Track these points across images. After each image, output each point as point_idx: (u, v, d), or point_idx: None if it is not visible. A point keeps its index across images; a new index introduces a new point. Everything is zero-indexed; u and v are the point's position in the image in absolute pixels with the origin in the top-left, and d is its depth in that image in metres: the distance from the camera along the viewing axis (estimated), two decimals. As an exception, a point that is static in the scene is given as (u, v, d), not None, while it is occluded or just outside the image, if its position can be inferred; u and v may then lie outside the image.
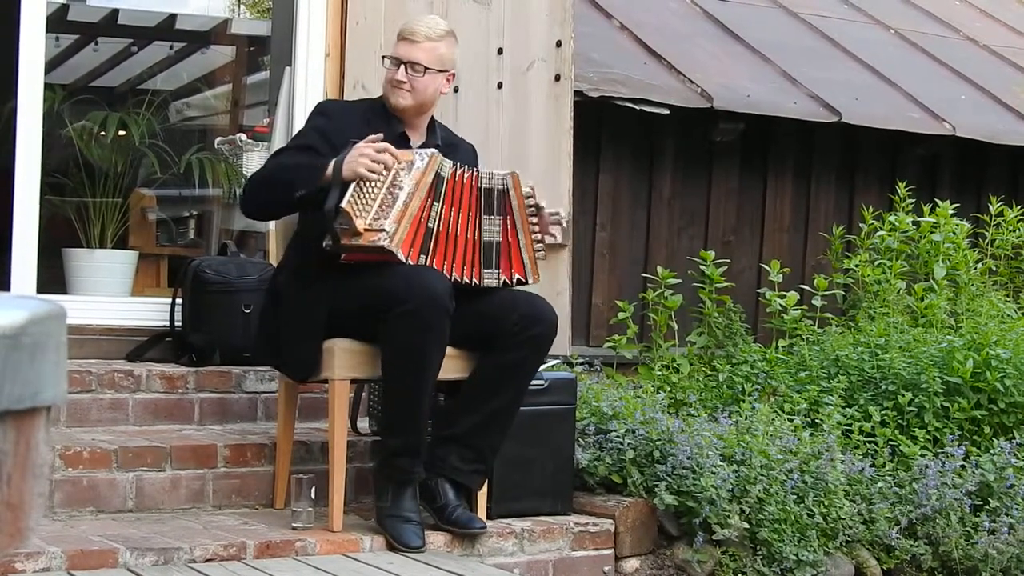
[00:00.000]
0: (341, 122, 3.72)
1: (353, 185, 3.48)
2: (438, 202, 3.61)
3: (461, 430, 3.66)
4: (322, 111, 3.83)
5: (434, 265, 3.59)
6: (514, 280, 3.71)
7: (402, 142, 3.73)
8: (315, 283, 3.63)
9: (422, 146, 3.77)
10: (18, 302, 0.91)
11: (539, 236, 3.71)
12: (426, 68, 3.71)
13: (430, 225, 3.59)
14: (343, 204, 3.45)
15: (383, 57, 3.86)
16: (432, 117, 3.88)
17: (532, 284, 3.73)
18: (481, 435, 3.67)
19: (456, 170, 3.64)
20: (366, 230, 3.49)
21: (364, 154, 3.49)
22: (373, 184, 3.51)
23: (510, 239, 3.69)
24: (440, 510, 3.68)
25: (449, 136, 3.96)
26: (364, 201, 3.50)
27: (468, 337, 3.60)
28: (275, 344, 3.74)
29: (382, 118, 3.77)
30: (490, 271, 3.68)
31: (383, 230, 3.49)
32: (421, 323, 3.45)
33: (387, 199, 3.52)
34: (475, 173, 3.69)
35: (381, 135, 3.58)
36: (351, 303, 3.57)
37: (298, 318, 3.65)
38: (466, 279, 3.64)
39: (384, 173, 3.51)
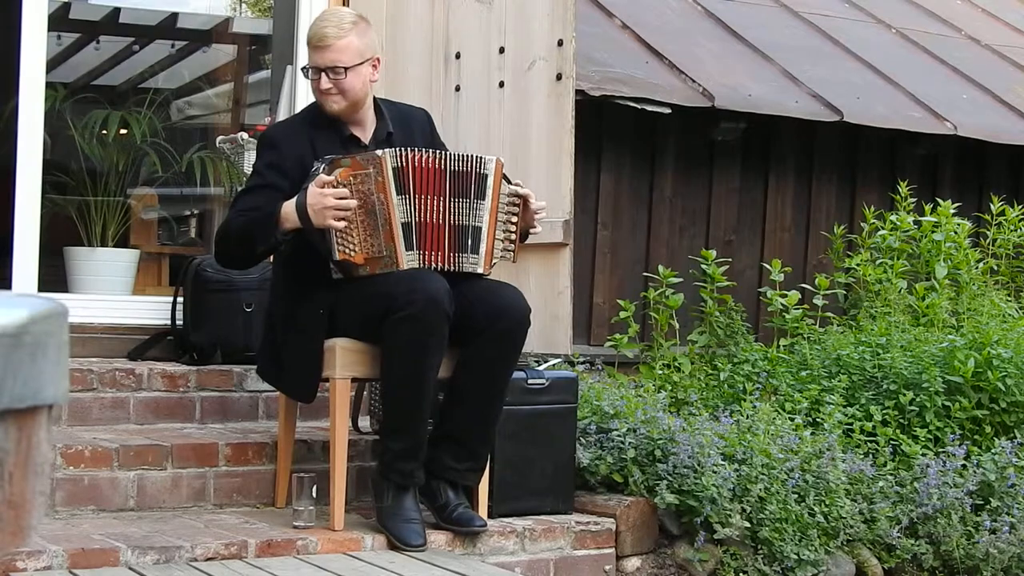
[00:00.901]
0: (291, 149, 3.66)
1: (332, 233, 3.49)
2: (404, 195, 3.58)
3: (452, 429, 3.66)
4: (269, 144, 3.73)
5: (423, 256, 3.59)
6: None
7: (352, 143, 3.71)
8: (312, 297, 3.62)
9: (373, 135, 3.75)
10: (19, 301, 0.91)
11: (512, 229, 3.68)
12: (346, 68, 3.63)
13: (405, 220, 3.58)
14: (336, 257, 3.51)
15: (302, 68, 3.78)
16: (375, 100, 3.79)
17: (485, 273, 3.67)
18: (471, 432, 3.66)
19: (411, 154, 3.59)
20: (367, 260, 3.54)
21: (326, 206, 3.46)
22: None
23: (480, 224, 3.64)
24: (441, 509, 3.68)
25: (398, 113, 3.86)
26: (348, 237, 3.51)
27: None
28: (277, 364, 3.73)
29: (327, 126, 3.71)
30: (465, 255, 3.64)
31: (383, 256, 3.54)
32: (422, 327, 3.45)
33: (367, 222, 3.53)
34: (440, 155, 3.64)
35: (322, 169, 3.52)
36: (352, 312, 3.56)
37: (298, 337, 3.64)
38: (446, 266, 3.61)
39: (350, 207, 3.49)
